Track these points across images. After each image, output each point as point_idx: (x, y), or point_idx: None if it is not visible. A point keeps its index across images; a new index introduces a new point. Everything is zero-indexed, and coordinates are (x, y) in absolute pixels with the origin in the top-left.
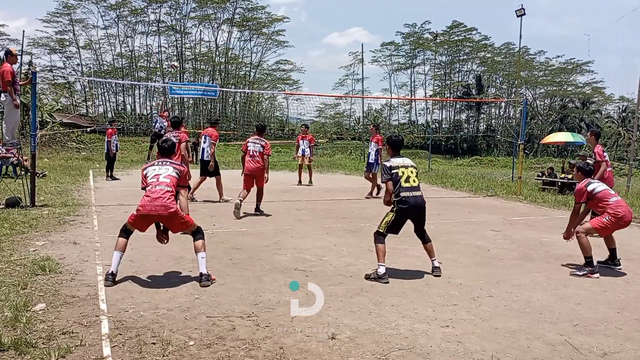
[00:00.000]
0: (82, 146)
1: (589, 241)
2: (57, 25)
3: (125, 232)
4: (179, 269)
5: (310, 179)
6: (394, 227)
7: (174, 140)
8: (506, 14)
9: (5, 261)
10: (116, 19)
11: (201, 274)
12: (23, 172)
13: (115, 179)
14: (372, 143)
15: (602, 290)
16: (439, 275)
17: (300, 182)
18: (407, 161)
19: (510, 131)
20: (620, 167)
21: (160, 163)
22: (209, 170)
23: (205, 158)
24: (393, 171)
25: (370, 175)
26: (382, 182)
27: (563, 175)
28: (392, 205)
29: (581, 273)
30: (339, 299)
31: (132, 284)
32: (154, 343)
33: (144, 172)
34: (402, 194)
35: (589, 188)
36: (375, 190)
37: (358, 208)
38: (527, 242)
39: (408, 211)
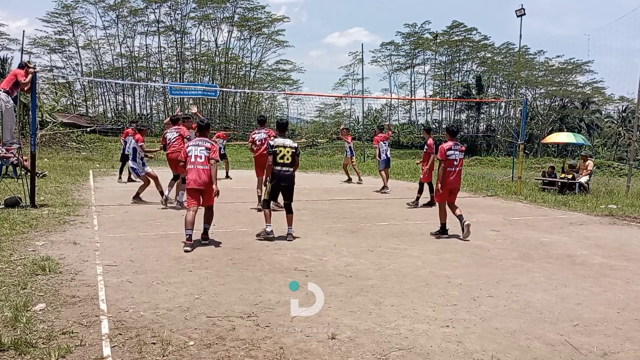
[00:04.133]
0: (82, 146)
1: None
2: (56, 25)
3: None
4: (179, 269)
5: (360, 177)
6: None
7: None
8: (506, 14)
9: (5, 261)
10: (115, 19)
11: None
12: (23, 172)
13: (121, 180)
14: (387, 142)
15: (602, 290)
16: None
17: (350, 179)
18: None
19: (510, 131)
20: (620, 167)
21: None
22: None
23: None
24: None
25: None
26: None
27: (563, 176)
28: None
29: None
30: (339, 299)
31: (132, 284)
32: (154, 343)
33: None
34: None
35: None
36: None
37: (358, 208)
38: (527, 242)
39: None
